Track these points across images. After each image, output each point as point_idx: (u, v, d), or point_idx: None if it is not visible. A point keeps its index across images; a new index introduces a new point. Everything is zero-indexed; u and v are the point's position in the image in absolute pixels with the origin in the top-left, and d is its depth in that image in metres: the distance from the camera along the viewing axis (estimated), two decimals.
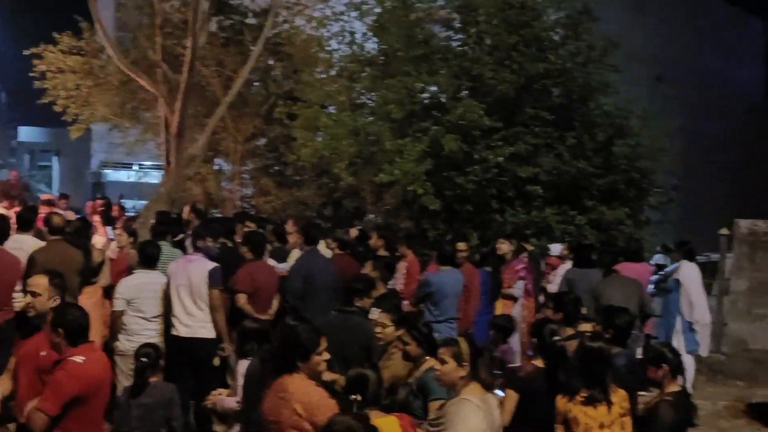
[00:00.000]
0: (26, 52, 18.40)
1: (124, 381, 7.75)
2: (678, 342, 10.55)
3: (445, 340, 5.72)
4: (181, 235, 10.40)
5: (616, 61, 15.58)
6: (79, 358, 5.23)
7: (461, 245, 10.80)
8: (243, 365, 6.37)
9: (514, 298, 11.32)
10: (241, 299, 8.81)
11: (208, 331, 8.39)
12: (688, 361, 10.51)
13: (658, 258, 16.23)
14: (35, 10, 25.88)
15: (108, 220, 13.30)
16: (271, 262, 9.97)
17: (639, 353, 9.04)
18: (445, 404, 5.44)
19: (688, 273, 11.08)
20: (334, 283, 9.19)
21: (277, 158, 19.48)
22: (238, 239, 10.24)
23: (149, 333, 8.22)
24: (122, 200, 20.43)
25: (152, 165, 23.04)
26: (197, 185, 19.11)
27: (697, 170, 24.66)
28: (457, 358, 5.33)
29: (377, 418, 5.07)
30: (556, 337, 6.39)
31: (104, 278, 9.36)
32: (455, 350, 5.35)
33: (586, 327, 7.24)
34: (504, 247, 11.74)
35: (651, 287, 11.53)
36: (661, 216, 15.83)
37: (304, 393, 4.74)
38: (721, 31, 27.91)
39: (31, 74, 18.48)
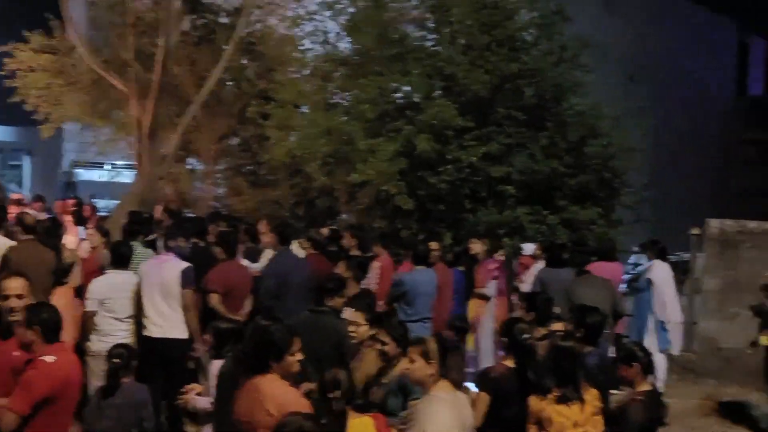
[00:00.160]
0: None
1: (96, 382, 7.67)
2: (650, 341, 10.62)
3: (414, 339, 5.75)
4: (152, 235, 10.36)
5: (588, 61, 15.65)
6: (50, 358, 5.21)
7: (434, 245, 10.85)
8: (216, 365, 6.33)
9: (486, 298, 11.37)
10: (214, 299, 8.78)
11: (180, 332, 8.37)
12: (660, 360, 10.59)
13: (636, 257, 16.28)
14: (4, 7, 25.57)
15: (79, 220, 13.22)
16: (245, 262, 9.95)
17: (611, 352, 9.09)
18: None
19: (660, 272, 11.16)
20: (307, 283, 9.19)
21: (250, 158, 19.37)
22: (211, 239, 10.21)
23: (122, 333, 8.17)
24: (94, 200, 20.24)
25: (124, 164, 22.81)
26: (170, 185, 18.98)
27: (670, 170, 24.81)
28: (425, 356, 5.34)
29: (352, 419, 5.08)
30: (526, 335, 6.41)
31: (75, 278, 9.29)
32: (422, 348, 5.36)
33: (558, 326, 7.28)
34: (477, 246, 11.80)
35: (623, 287, 11.59)
36: (633, 216, 15.91)
37: (277, 393, 4.72)
38: (693, 31, 28.05)
39: (1, 73, 18.31)
